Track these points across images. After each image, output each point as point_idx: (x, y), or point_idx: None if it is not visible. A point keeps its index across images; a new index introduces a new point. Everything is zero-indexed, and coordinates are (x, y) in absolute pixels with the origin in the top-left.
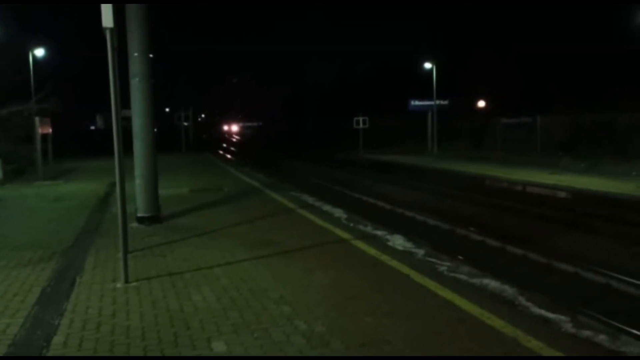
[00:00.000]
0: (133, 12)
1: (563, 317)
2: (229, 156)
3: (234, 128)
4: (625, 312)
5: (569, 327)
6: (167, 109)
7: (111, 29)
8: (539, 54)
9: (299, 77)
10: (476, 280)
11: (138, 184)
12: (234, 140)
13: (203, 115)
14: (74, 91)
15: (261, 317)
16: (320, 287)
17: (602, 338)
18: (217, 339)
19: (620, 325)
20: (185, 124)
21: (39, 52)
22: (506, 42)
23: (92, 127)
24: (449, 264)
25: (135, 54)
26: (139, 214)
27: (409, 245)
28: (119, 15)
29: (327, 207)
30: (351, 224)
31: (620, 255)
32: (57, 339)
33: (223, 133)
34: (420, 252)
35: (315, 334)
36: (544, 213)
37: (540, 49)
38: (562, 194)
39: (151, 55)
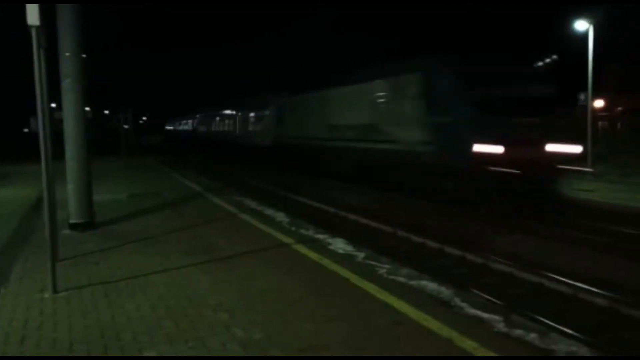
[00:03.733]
0: (64, 10)
1: (496, 317)
2: None
3: None
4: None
5: (501, 326)
6: (106, 112)
7: (37, 27)
8: None
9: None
10: (414, 282)
11: (70, 189)
12: None
13: (145, 118)
14: (6, 92)
15: (197, 325)
16: (260, 293)
17: (532, 337)
18: (149, 350)
19: (551, 323)
20: (126, 126)
21: None
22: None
23: (26, 130)
24: (388, 266)
25: (67, 54)
26: (72, 220)
27: (349, 249)
28: (48, 13)
29: (269, 212)
30: (293, 228)
31: None
32: None
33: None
34: (360, 255)
35: (252, 342)
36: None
37: None
38: None
39: (84, 56)
